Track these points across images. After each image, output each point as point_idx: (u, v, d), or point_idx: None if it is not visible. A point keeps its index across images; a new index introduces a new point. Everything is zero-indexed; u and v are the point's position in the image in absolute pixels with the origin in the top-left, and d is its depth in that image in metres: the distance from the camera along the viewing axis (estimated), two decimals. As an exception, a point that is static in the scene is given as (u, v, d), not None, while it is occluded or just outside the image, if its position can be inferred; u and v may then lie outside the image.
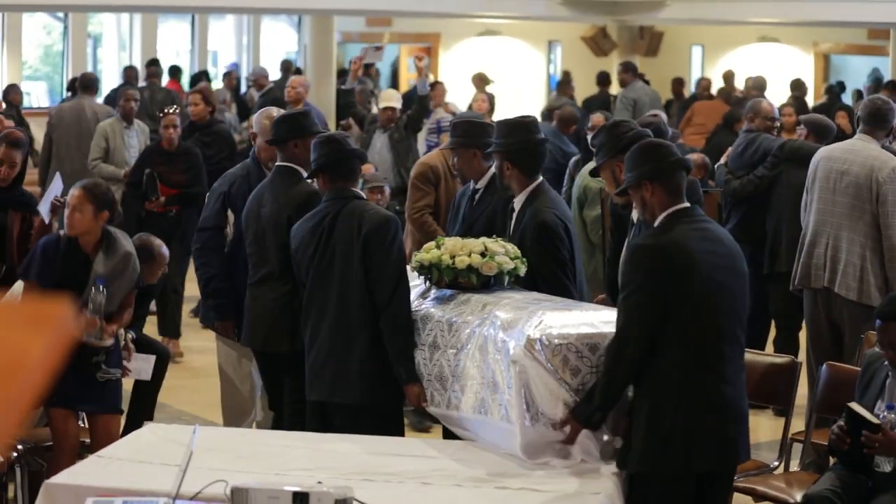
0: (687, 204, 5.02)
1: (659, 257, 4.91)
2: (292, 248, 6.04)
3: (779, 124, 9.62)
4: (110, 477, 4.96)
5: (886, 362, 5.50)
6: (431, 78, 15.95)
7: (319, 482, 4.43)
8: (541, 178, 6.16)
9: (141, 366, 6.89)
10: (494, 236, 5.91)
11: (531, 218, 5.99)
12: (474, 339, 5.37)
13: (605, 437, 5.08)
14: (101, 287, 5.94)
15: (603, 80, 19.37)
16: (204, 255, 7.10)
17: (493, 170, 6.39)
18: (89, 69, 20.78)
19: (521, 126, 6.17)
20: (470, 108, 15.51)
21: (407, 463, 5.18)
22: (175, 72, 19.58)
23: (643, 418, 4.90)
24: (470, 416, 5.37)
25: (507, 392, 5.12)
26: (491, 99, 15.61)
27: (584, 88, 20.38)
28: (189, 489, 4.48)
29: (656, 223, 5.01)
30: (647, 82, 18.67)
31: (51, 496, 4.92)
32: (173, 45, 24.11)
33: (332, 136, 6.19)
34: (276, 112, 7.17)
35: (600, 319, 5.19)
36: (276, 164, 6.67)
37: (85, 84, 14.03)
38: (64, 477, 5.11)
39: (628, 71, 18.02)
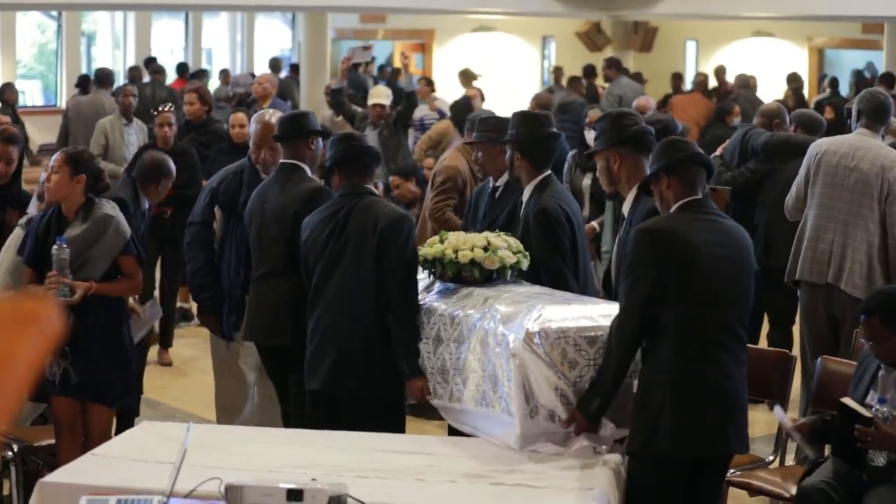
0: (700, 196, 5.06)
1: (658, 241, 4.94)
2: (302, 238, 6.07)
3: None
4: (104, 475, 4.94)
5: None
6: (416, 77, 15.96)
7: (314, 479, 4.44)
8: (549, 171, 6.19)
9: (151, 312, 6.97)
10: (497, 231, 5.94)
11: (534, 205, 6.07)
12: (475, 333, 5.40)
13: (605, 427, 5.10)
14: (62, 244, 5.95)
15: (589, 72, 19.36)
16: (191, 250, 7.26)
17: None
18: (84, 68, 20.80)
19: (535, 119, 6.31)
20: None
21: (402, 459, 5.17)
22: (182, 69, 19.52)
23: (638, 401, 4.97)
24: (472, 408, 5.39)
25: (507, 385, 5.15)
26: (480, 93, 15.63)
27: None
28: (183, 487, 4.48)
29: (669, 212, 5.07)
30: (634, 77, 18.63)
31: (45, 494, 4.91)
32: (167, 44, 24.09)
33: (350, 134, 6.41)
34: (269, 115, 7.21)
35: (599, 313, 5.22)
36: (280, 161, 6.73)
37: (101, 78, 14.09)
38: (58, 475, 5.11)
39: (612, 66, 17.98)
